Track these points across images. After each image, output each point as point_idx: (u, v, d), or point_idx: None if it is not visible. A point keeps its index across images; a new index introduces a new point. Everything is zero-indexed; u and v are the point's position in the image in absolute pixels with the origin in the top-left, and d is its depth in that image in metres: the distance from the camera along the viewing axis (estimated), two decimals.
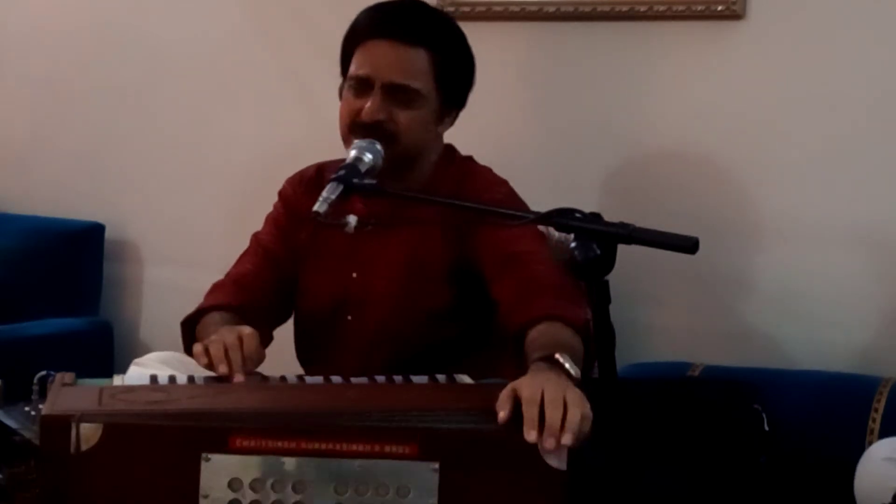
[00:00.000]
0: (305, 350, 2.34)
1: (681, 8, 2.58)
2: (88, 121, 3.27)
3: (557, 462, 1.64)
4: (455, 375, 1.96)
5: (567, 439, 1.62)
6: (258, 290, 2.28)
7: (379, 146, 2.08)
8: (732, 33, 2.57)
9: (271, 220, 2.36)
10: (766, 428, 2.26)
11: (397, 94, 2.15)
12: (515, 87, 2.72)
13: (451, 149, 2.31)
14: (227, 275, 2.32)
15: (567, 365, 1.78)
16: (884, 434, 2.26)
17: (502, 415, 1.66)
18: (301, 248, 2.30)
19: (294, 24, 3.00)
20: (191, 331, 2.22)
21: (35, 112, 3.35)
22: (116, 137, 3.24)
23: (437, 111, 2.21)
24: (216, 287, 2.30)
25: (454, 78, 2.21)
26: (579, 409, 1.65)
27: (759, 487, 2.23)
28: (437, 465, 1.63)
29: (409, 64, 2.16)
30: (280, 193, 2.37)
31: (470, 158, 2.32)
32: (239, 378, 1.89)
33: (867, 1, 2.48)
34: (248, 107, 3.08)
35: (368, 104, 2.15)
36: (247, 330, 1.97)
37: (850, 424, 2.30)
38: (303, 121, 2.98)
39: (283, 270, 2.31)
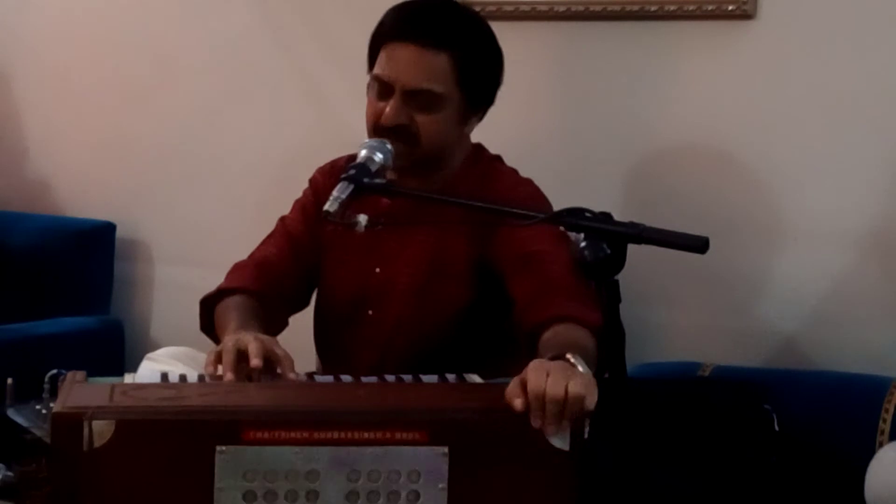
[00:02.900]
0: (324, 342, 2.35)
1: (692, 7, 2.58)
2: (99, 120, 3.29)
3: (561, 443, 1.68)
4: (465, 375, 1.97)
5: (566, 426, 1.66)
6: (279, 275, 2.28)
7: (389, 145, 2.08)
8: (744, 33, 2.57)
9: (300, 206, 2.36)
10: (777, 428, 2.25)
11: (418, 98, 2.16)
12: (526, 86, 2.72)
13: (479, 148, 2.32)
14: (251, 256, 2.33)
15: (578, 365, 1.77)
16: (894, 435, 2.26)
17: (518, 402, 1.67)
18: (325, 238, 2.30)
19: (304, 24, 3.01)
20: (209, 310, 2.23)
21: (46, 111, 3.36)
22: (127, 137, 3.25)
23: (460, 113, 2.21)
24: (238, 267, 2.31)
25: (478, 79, 2.20)
26: (581, 391, 1.66)
27: (770, 488, 2.23)
28: (446, 450, 1.66)
29: (429, 69, 2.15)
30: (310, 181, 2.38)
31: (497, 158, 2.32)
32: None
33: (878, 0, 2.48)
34: (258, 107, 3.08)
35: (388, 108, 2.16)
36: (266, 340, 1.96)
37: (861, 425, 2.30)
38: (313, 121, 2.99)
39: (307, 258, 2.31)
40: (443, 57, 2.16)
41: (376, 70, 2.20)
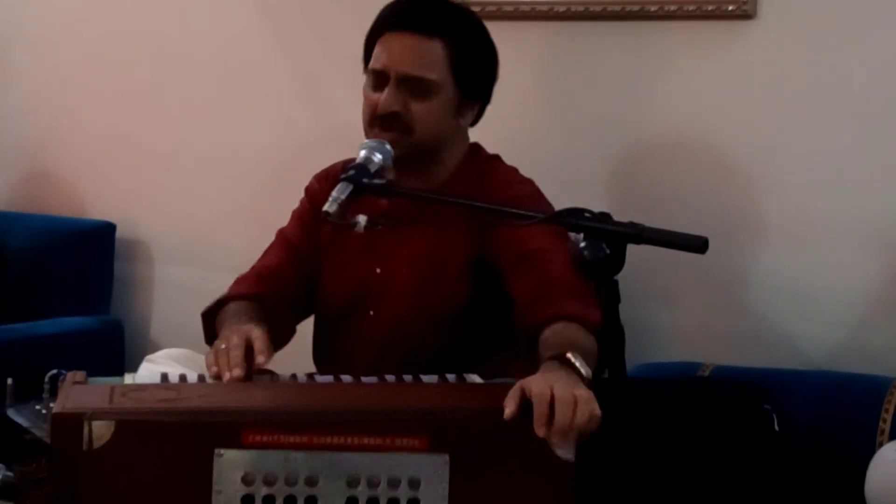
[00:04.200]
0: (323, 345, 2.35)
1: (692, 8, 2.58)
2: (100, 121, 3.29)
3: (566, 453, 1.66)
4: (465, 375, 1.97)
5: (575, 436, 1.64)
6: (281, 282, 2.29)
7: (388, 146, 2.08)
8: (743, 33, 2.57)
9: (296, 215, 2.37)
10: (777, 428, 2.25)
11: (412, 85, 2.17)
12: (526, 86, 2.72)
13: (476, 147, 2.32)
14: (252, 268, 2.33)
15: (578, 364, 1.78)
16: (894, 434, 2.26)
17: (508, 410, 1.67)
18: (324, 240, 2.31)
19: (306, 26, 3.01)
20: (212, 322, 2.23)
21: (47, 112, 3.36)
22: (128, 137, 3.25)
23: (454, 103, 2.21)
24: (239, 280, 2.32)
25: (472, 69, 2.21)
26: (588, 406, 1.66)
27: (770, 488, 2.23)
28: (447, 457, 1.65)
29: (423, 55, 2.17)
30: (306, 189, 2.38)
31: (496, 157, 2.32)
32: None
33: (877, 0, 2.48)
34: (259, 107, 3.08)
35: (383, 96, 2.16)
36: (256, 332, 1.97)
37: (861, 425, 2.30)
38: (314, 122, 2.99)
39: (308, 265, 2.31)
40: (437, 44, 2.17)
41: (372, 64, 2.21)
